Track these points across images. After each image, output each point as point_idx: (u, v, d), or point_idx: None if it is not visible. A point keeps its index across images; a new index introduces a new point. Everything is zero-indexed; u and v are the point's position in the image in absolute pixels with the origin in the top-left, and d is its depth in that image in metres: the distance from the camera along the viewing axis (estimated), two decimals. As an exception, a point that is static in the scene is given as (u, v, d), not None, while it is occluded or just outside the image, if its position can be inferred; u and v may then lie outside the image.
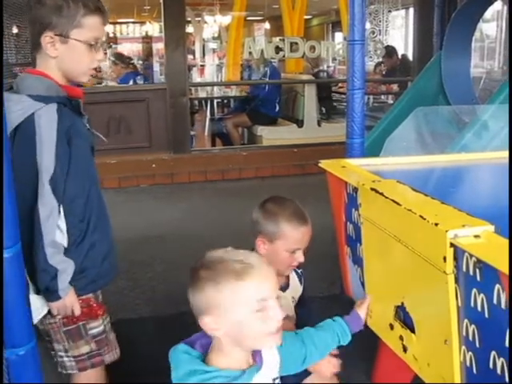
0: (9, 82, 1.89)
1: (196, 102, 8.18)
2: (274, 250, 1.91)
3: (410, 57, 7.59)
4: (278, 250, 1.90)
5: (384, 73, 8.50)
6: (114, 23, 15.94)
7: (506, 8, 7.25)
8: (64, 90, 1.73)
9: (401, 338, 1.52)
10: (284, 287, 2.01)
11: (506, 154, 2.08)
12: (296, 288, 2.09)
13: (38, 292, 1.72)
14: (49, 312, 1.77)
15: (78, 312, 1.78)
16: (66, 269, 1.70)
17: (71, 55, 1.72)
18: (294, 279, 2.10)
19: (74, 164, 1.70)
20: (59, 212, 1.68)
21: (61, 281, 1.69)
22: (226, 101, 9.18)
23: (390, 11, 7.51)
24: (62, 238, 1.71)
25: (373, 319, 1.74)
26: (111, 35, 15.79)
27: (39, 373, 1.49)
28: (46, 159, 1.63)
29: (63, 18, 1.66)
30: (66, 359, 1.87)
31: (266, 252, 1.91)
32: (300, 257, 1.92)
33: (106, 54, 12.55)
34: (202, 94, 8.49)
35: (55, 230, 1.67)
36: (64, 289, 1.70)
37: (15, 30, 1.97)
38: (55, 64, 1.72)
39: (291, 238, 1.88)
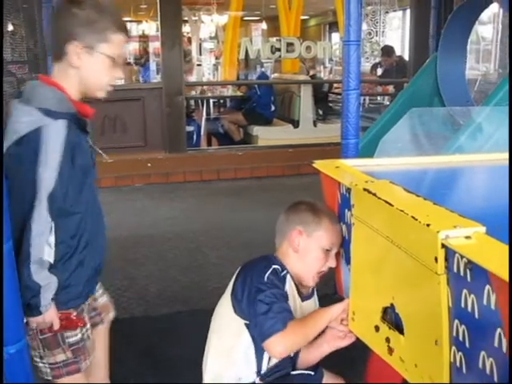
0: (9, 80, 1.89)
1: (192, 102, 8.17)
2: (309, 246, 1.85)
3: (406, 58, 7.61)
4: (313, 246, 1.85)
5: (381, 73, 8.51)
6: (111, 22, 15.87)
7: (501, 11, 7.27)
8: (75, 106, 1.73)
9: (387, 339, 1.52)
10: (305, 296, 1.94)
11: (501, 155, 2.08)
12: (313, 308, 1.98)
13: None
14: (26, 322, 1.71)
15: (56, 327, 1.74)
16: (49, 286, 1.66)
17: (94, 67, 1.74)
18: (315, 301, 2.01)
19: (73, 182, 1.69)
20: (51, 229, 1.65)
21: (43, 298, 1.65)
22: (222, 100, 9.19)
23: (386, 12, 7.54)
24: (50, 253, 1.67)
25: (356, 322, 1.74)
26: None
27: (29, 371, 1.49)
28: (48, 175, 1.61)
29: (93, 31, 1.69)
30: (41, 365, 1.83)
31: (300, 247, 1.86)
32: (332, 260, 1.88)
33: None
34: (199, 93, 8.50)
35: (44, 247, 1.64)
36: (46, 305, 1.67)
37: (10, 28, 1.97)
38: (75, 74, 1.73)
39: (330, 233, 1.85)
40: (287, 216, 1.93)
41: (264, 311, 1.72)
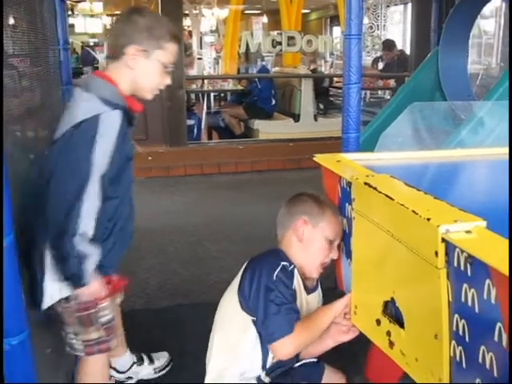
0: (11, 73, 1.91)
1: (193, 96, 8.15)
2: (314, 236, 1.87)
3: (408, 52, 7.59)
4: (318, 236, 1.87)
5: (383, 67, 8.49)
6: (111, 15, 15.88)
7: (504, 4, 7.26)
8: (126, 100, 1.89)
9: (388, 333, 1.53)
10: (311, 289, 1.96)
11: (502, 150, 2.08)
12: (318, 301, 2.03)
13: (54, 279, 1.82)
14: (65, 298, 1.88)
15: (103, 293, 1.90)
16: (93, 256, 1.78)
17: (147, 71, 1.91)
18: (319, 293, 2.03)
19: (118, 169, 1.84)
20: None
21: (88, 267, 1.77)
22: (222, 94, 9.17)
23: (388, 6, 7.52)
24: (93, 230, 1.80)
25: (358, 315, 1.75)
26: (108, 27, 15.73)
27: (32, 363, 1.49)
28: (102, 159, 1.74)
29: (151, 37, 1.87)
30: (74, 341, 1.98)
31: (304, 236, 1.87)
32: (335, 252, 1.90)
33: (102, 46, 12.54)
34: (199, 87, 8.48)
35: (92, 223, 1.76)
36: (90, 275, 1.79)
37: (11, 21, 1.96)
38: (129, 74, 1.90)
39: (333, 224, 1.86)
40: (290, 207, 1.94)
41: (272, 312, 1.74)
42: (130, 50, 1.87)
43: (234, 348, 1.86)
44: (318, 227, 1.87)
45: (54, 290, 1.85)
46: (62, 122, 1.84)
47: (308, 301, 1.93)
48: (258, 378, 1.86)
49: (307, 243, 1.88)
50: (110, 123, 1.76)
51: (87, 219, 1.74)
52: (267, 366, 1.86)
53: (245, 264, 1.90)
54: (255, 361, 1.85)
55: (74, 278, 1.78)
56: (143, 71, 1.91)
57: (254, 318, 1.80)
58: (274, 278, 1.77)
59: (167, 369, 2.58)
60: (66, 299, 1.88)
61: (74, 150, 1.74)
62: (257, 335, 1.82)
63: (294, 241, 1.89)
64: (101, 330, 1.97)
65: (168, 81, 1.99)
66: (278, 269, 1.79)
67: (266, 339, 1.79)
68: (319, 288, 2.03)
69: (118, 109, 1.80)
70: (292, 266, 1.83)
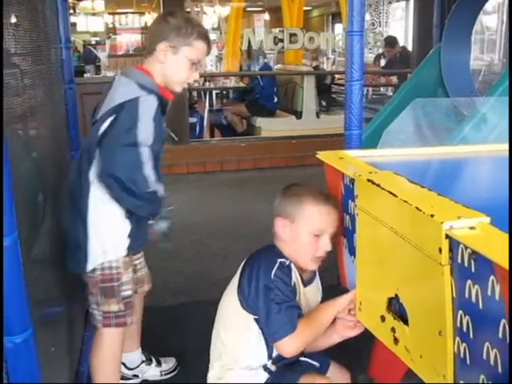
0: (13, 72, 1.93)
1: (195, 93, 8.15)
2: (297, 233, 1.81)
3: (410, 49, 7.58)
4: (300, 232, 1.80)
5: (385, 64, 8.48)
6: (113, 13, 15.88)
7: (506, 0, 7.24)
8: (160, 89, 2.09)
9: (393, 329, 1.53)
10: (307, 281, 1.93)
11: (505, 146, 2.07)
12: (318, 292, 2.01)
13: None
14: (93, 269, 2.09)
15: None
16: (161, 190, 2.12)
17: (175, 65, 2.11)
18: (318, 283, 2.01)
19: (155, 150, 2.05)
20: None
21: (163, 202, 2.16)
22: (224, 92, 9.17)
23: (390, 3, 7.51)
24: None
25: (363, 312, 1.75)
26: (110, 26, 15.74)
27: (36, 361, 1.49)
28: (146, 133, 1.96)
29: (180, 36, 2.07)
30: (96, 312, 2.14)
31: (287, 236, 1.82)
32: (326, 244, 1.82)
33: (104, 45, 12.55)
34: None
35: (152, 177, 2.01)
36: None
37: (13, 20, 1.96)
38: (160, 68, 2.10)
39: (315, 216, 1.79)
40: (275, 203, 1.90)
41: (274, 311, 1.73)
42: (161, 47, 2.07)
43: (237, 347, 1.86)
44: (297, 223, 1.81)
45: (98, 253, 2.07)
46: (102, 105, 2.06)
47: (305, 293, 1.91)
48: (265, 366, 1.86)
49: (292, 240, 1.83)
50: (148, 105, 1.97)
51: (151, 177, 1.99)
52: (273, 356, 1.86)
53: (243, 262, 1.89)
54: (260, 356, 1.85)
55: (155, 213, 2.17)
56: (172, 65, 2.10)
57: (256, 317, 1.79)
58: (273, 276, 1.75)
59: (173, 373, 2.61)
60: (93, 270, 2.08)
61: (119, 125, 1.95)
62: (259, 332, 1.82)
63: (282, 237, 1.86)
64: (121, 303, 2.12)
65: (196, 76, 2.18)
66: (276, 266, 1.77)
67: (270, 339, 1.79)
68: (317, 279, 2.00)
69: (153, 94, 2.01)
70: (288, 262, 1.81)
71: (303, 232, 1.81)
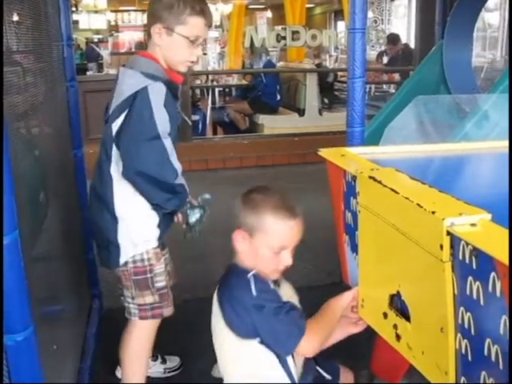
0: (15, 70, 1.93)
1: (197, 91, 8.15)
2: (255, 247, 1.68)
3: (412, 46, 7.57)
4: (259, 247, 1.67)
5: (387, 61, 8.48)
6: (116, 11, 15.87)
7: (509, -3, 7.22)
8: (167, 73, 2.05)
9: (395, 326, 1.53)
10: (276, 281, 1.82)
11: (506, 143, 2.07)
12: (292, 290, 1.89)
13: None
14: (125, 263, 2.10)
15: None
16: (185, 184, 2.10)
17: (172, 46, 2.04)
18: (286, 286, 1.86)
19: (172, 136, 2.03)
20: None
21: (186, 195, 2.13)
22: (227, 89, 9.17)
23: (392, 0, 7.49)
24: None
25: (365, 308, 1.75)
26: (112, 23, 15.74)
27: (37, 359, 1.49)
28: (164, 121, 1.95)
29: (172, 14, 1.99)
30: (131, 305, 2.15)
31: (245, 249, 1.71)
32: (287, 259, 1.69)
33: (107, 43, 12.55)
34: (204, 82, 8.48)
35: (180, 169, 2.04)
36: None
37: (15, 18, 1.97)
38: (159, 51, 2.05)
39: (275, 233, 1.65)
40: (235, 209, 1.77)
41: (276, 324, 1.64)
42: (155, 29, 2.02)
43: (253, 376, 1.72)
44: (255, 238, 1.67)
45: (128, 247, 2.08)
46: (112, 99, 2.03)
47: (282, 295, 1.78)
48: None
49: (251, 256, 1.71)
50: (156, 91, 1.93)
51: (176, 162, 2.00)
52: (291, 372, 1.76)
53: (214, 297, 1.79)
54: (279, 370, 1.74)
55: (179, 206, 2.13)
56: (169, 47, 2.04)
57: (259, 339, 1.67)
58: (255, 293, 1.64)
59: (177, 371, 2.61)
60: (125, 264, 2.09)
61: (135, 115, 1.93)
62: (269, 351, 1.69)
63: (241, 251, 1.75)
64: (155, 294, 2.12)
65: (199, 52, 2.10)
66: (252, 283, 1.66)
67: (284, 352, 1.69)
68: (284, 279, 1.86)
69: (160, 81, 1.97)
70: (256, 270, 1.70)
71: (261, 247, 1.68)
